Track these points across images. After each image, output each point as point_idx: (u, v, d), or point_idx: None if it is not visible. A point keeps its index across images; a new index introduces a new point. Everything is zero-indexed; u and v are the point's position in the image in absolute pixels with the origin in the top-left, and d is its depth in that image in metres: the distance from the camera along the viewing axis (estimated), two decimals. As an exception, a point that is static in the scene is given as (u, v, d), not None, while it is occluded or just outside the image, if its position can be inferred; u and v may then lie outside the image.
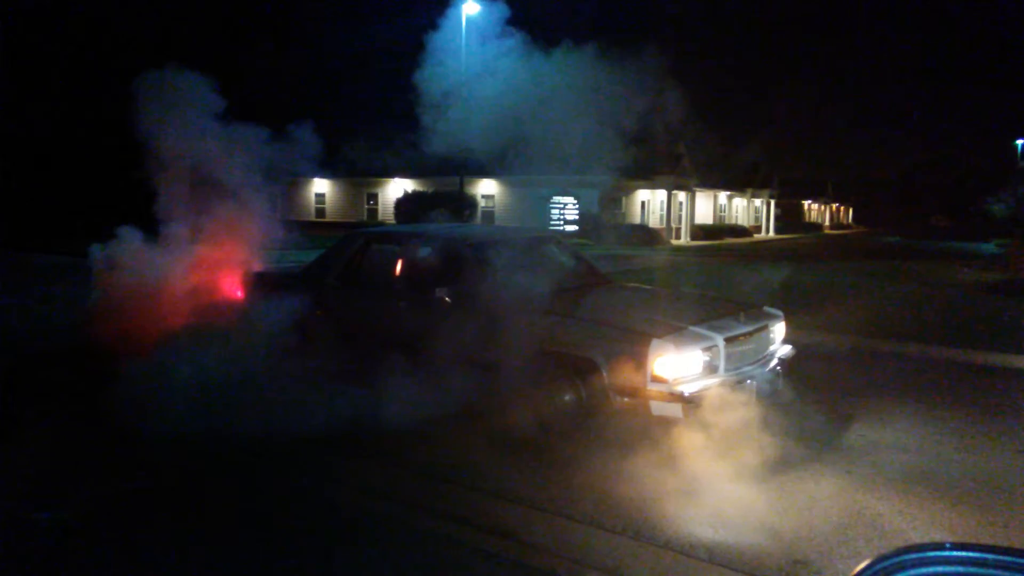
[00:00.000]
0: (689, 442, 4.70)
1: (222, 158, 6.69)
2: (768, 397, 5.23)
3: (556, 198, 33.91)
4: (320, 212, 40.17)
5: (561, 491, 4.28)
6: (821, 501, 4.22)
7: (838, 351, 8.68)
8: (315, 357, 5.98)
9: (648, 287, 7.51)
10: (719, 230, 44.57)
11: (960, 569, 1.32)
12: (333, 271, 6.65)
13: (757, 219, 53.66)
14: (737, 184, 47.18)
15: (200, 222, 6.85)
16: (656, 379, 4.68)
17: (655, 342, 4.71)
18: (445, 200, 24.83)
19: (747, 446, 4.75)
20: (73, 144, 22.81)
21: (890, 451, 5.09)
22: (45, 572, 3.51)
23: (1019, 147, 51.01)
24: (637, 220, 36.77)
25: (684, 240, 39.08)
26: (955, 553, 1.35)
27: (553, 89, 6.79)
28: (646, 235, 32.84)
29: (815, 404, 6.04)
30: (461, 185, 25.00)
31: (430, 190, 32.89)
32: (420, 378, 5.24)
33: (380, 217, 38.62)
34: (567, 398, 5.04)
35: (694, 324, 5.05)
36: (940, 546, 1.36)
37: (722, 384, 4.87)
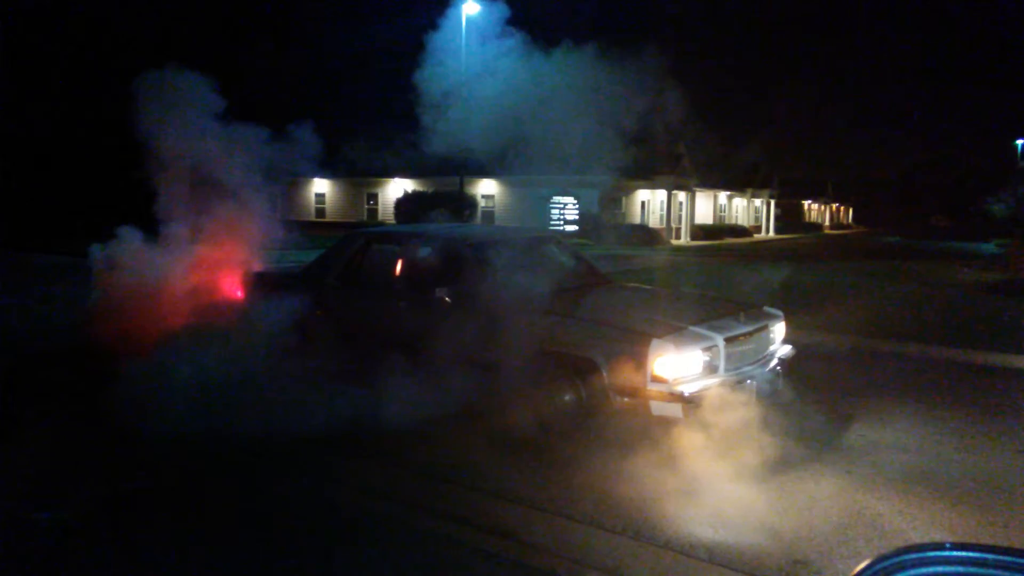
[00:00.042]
0: (689, 442, 4.70)
1: (222, 158, 6.69)
2: (768, 397, 5.23)
3: (556, 198, 33.91)
4: (320, 212, 40.17)
5: (561, 491, 4.28)
6: (821, 501, 4.22)
7: (838, 351, 8.68)
8: (315, 357, 5.98)
9: (648, 287, 7.51)
10: (719, 230, 44.57)
11: (960, 569, 1.32)
12: (333, 271, 6.65)
13: (757, 219, 53.66)
14: (737, 184, 47.19)
15: (200, 222, 6.85)
16: (656, 379, 4.68)
17: (655, 342, 4.71)
18: (445, 200, 24.83)
19: (747, 446, 4.75)
20: (73, 144, 22.81)
21: (890, 451, 5.09)
22: (45, 572, 3.51)
23: (1019, 147, 51.02)
24: (637, 220, 36.77)
25: (684, 240, 39.08)
26: (955, 553, 1.35)
27: (553, 89, 6.79)
28: (646, 235, 32.84)
29: (815, 404, 6.04)
30: (461, 185, 25.00)
31: (430, 190, 32.89)
32: (420, 378, 5.24)
33: (380, 217, 38.62)
34: (567, 398, 5.04)
35: (694, 324, 5.05)
36: (940, 546, 1.36)
37: (722, 384, 4.87)
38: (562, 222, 33.60)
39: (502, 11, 6.90)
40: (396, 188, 36.61)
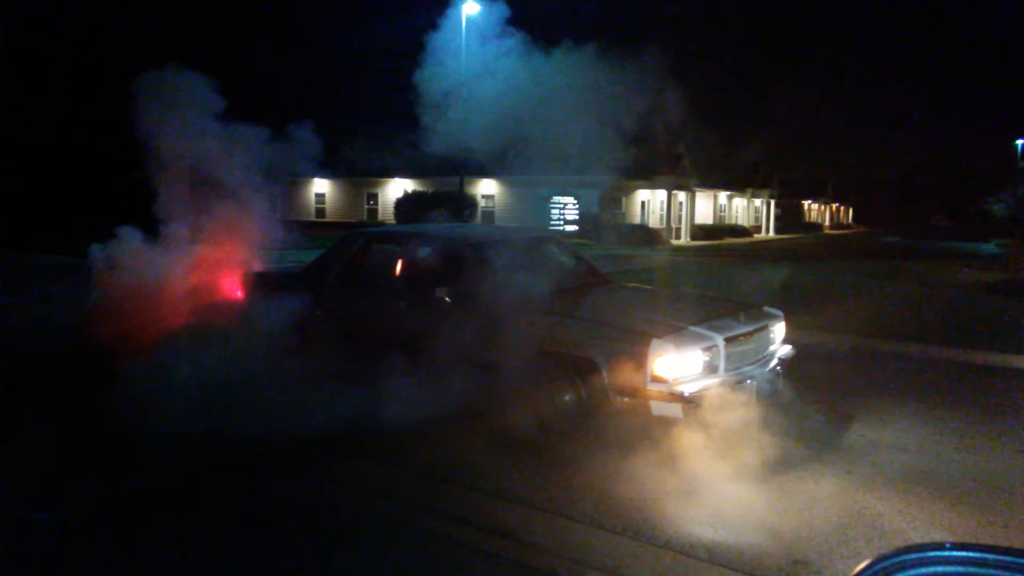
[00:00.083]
0: (689, 442, 4.70)
1: (222, 158, 6.69)
2: (768, 397, 5.23)
3: (556, 198, 33.91)
4: (320, 212, 40.17)
5: (561, 491, 4.28)
6: (821, 501, 4.22)
7: (838, 351, 8.68)
8: (315, 357, 5.98)
9: (648, 287, 7.51)
10: (719, 230, 44.57)
11: (960, 569, 1.32)
12: (333, 271, 6.65)
13: (757, 219, 53.66)
14: (737, 184, 47.19)
15: (200, 222, 6.85)
16: (656, 379, 4.68)
17: (655, 342, 4.71)
18: (445, 200, 24.83)
19: (747, 446, 4.75)
20: (73, 144, 22.81)
21: (890, 451, 5.09)
22: (45, 572, 3.51)
23: (1019, 147, 51.02)
24: (637, 220, 36.76)
25: (684, 240, 39.08)
26: (955, 553, 1.35)
27: (553, 89, 6.79)
28: (646, 235, 32.84)
29: (815, 404, 6.04)
30: (461, 185, 25.00)
31: (430, 190, 32.89)
32: (420, 378, 5.24)
33: (380, 217, 38.62)
34: (567, 398, 5.04)
35: (694, 324, 5.05)
36: (940, 546, 1.36)
37: (722, 384, 4.87)
38: (562, 222, 33.60)
39: (502, 11, 6.90)
40: (396, 188, 36.61)
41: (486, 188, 35.47)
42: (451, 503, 4.16)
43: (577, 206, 33.49)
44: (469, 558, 3.57)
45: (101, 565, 3.55)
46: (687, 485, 4.31)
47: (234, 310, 6.53)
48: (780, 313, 5.87)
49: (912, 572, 1.32)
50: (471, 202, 30.20)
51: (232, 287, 7.01)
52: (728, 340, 4.99)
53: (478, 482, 4.42)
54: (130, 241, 7.07)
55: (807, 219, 65.06)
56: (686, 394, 4.62)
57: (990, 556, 1.32)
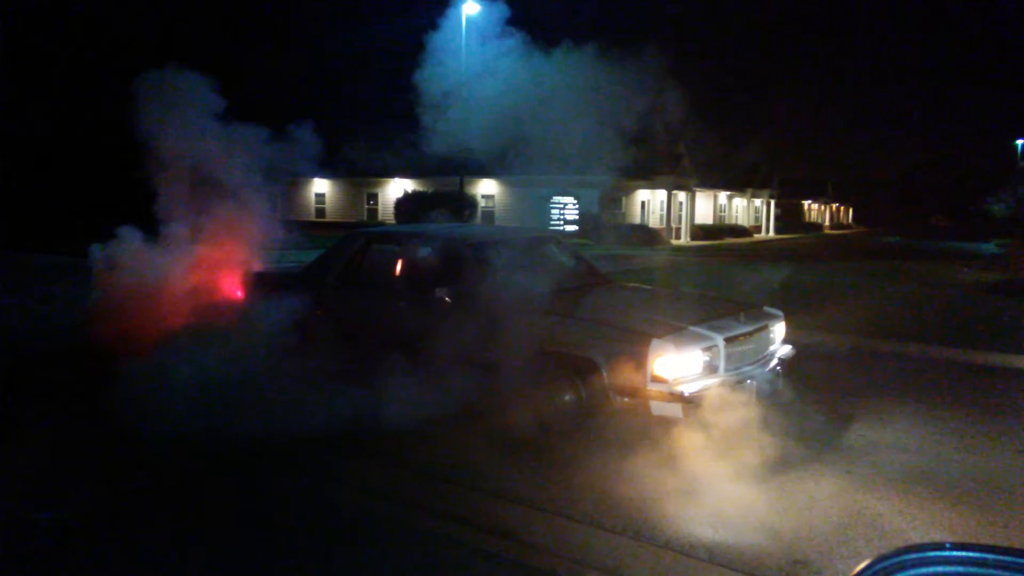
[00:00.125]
0: (689, 442, 4.70)
1: (222, 158, 6.69)
2: (768, 397, 5.23)
3: (556, 198, 33.91)
4: (320, 212, 40.17)
5: (561, 491, 4.28)
6: (821, 501, 4.22)
7: (838, 351, 8.68)
8: (315, 357, 5.98)
9: (648, 287, 7.51)
10: (719, 230, 44.57)
11: (960, 569, 1.32)
12: (333, 271, 6.65)
13: (757, 219, 53.66)
14: (737, 184, 47.19)
15: (200, 222, 6.85)
16: (656, 379, 4.68)
17: (655, 342, 4.71)
18: (445, 200, 24.83)
19: (747, 446, 4.75)
20: (73, 144, 22.81)
21: (890, 451, 5.09)
22: (45, 572, 3.51)
23: (1019, 147, 51.02)
24: (637, 220, 36.76)
25: (684, 240, 39.08)
26: (955, 553, 1.35)
27: (553, 89, 6.79)
28: (646, 235, 32.84)
29: (815, 404, 6.04)
30: (461, 185, 25.00)
31: (430, 190, 32.89)
32: (420, 378, 5.24)
33: (380, 217, 38.62)
34: (567, 398, 5.04)
35: (694, 324, 5.05)
36: (940, 546, 1.36)
37: (722, 384, 4.87)
38: (562, 222, 33.60)
39: (502, 11, 6.90)
40: (396, 188, 36.61)
41: (486, 188, 35.47)
42: (451, 503, 4.16)
43: (577, 206, 33.49)
44: (469, 558, 3.57)
45: (101, 565, 3.55)
46: (687, 485, 4.31)
47: (234, 310, 6.53)
48: (780, 313, 5.87)
49: (912, 572, 1.32)
50: (471, 202, 30.20)
51: (232, 287, 7.00)
52: (728, 340, 4.99)
53: (478, 482, 4.42)
54: (130, 241, 7.07)
55: (807, 219, 65.05)
56: (686, 394, 4.62)
57: (990, 556, 1.32)
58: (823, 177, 65.85)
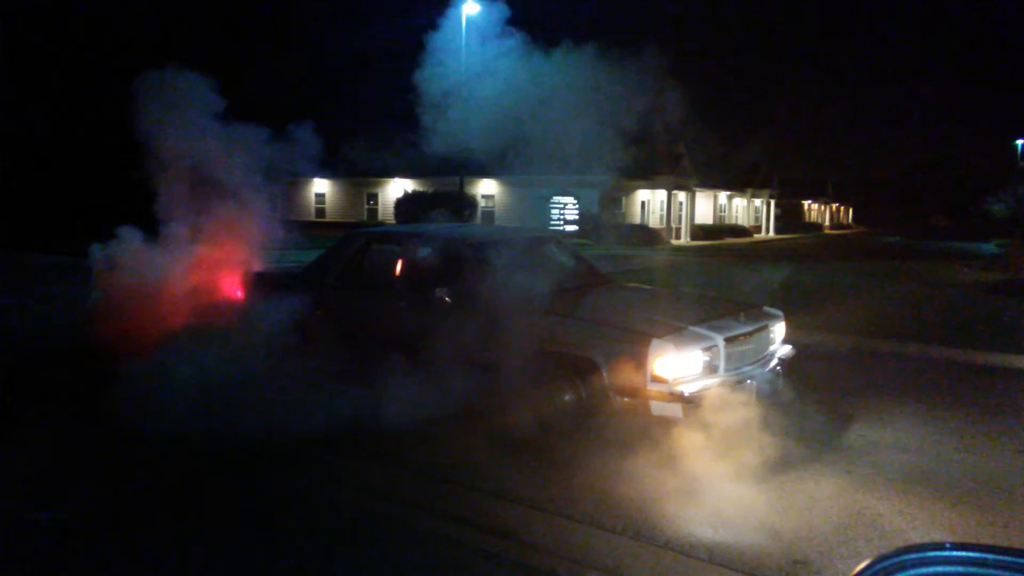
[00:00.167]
0: (689, 442, 4.70)
1: (222, 158, 6.69)
2: (768, 397, 5.23)
3: (556, 198, 33.91)
4: (320, 212, 40.17)
5: (561, 491, 4.28)
6: (821, 501, 4.22)
7: (838, 351, 8.68)
8: (315, 357, 5.98)
9: (648, 287, 7.51)
10: (719, 230, 44.57)
11: (960, 569, 1.32)
12: (333, 271, 6.65)
13: (757, 219, 53.66)
14: (737, 184, 47.19)
15: (200, 222, 6.85)
16: (656, 379, 4.67)
17: (655, 342, 4.71)
18: (445, 200, 24.83)
19: (747, 446, 4.75)
20: (73, 144, 22.81)
21: (890, 451, 5.09)
22: (45, 572, 3.51)
23: (1019, 147, 51.02)
24: (637, 220, 36.77)
25: (684, 240, 39.09)
26: (955, 553, 1.35)
27: (553, 89, 6.79)
28: (646, 235, 32.84)
29: (815, 404, 6.04)
30: (461, 185, 25.00)
31: (430, 190, 32.89)
32: (420, 378, 5.24)
33: (380, 217, 38.62)
34: (567, 398, 5.04)
35: (694, 324, 5.05)
36: (940, 546, 1.36)
37: (722, 384, 4.87)
38: (562, 222, 33.60)
39: (502, 11, 6.90)
40: (396, 188, 36.61)
41: (486, 188, 35.48)
42: (451, 503, 4.16)
43: (577, 206, 33.50)
44: (469, 558, 3.57)
45: (101, 565, 3.55)
46: (687, 485, 4.31)
47: (234, 310, 6.53)
48: (780, 313, 5.87)
49: (912, 572, 1.32)
50: (471, 202, 30.20)
51: (232, 287, 7.00)
52: (728, 340, 4.99)
53: (478, 482, 4.42)
54: (130, 241, 7.07)
55: (807, 219, 65.05)
56: (686, 394, 4.62)
57: (990, 556, 1.32)
58: (823, 177, 65.89)
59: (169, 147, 6.69)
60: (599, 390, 4.88)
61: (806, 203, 65.09)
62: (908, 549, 1.38)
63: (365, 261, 6.65)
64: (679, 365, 4.70)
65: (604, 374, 4.83)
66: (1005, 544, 2.70)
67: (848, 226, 77.08)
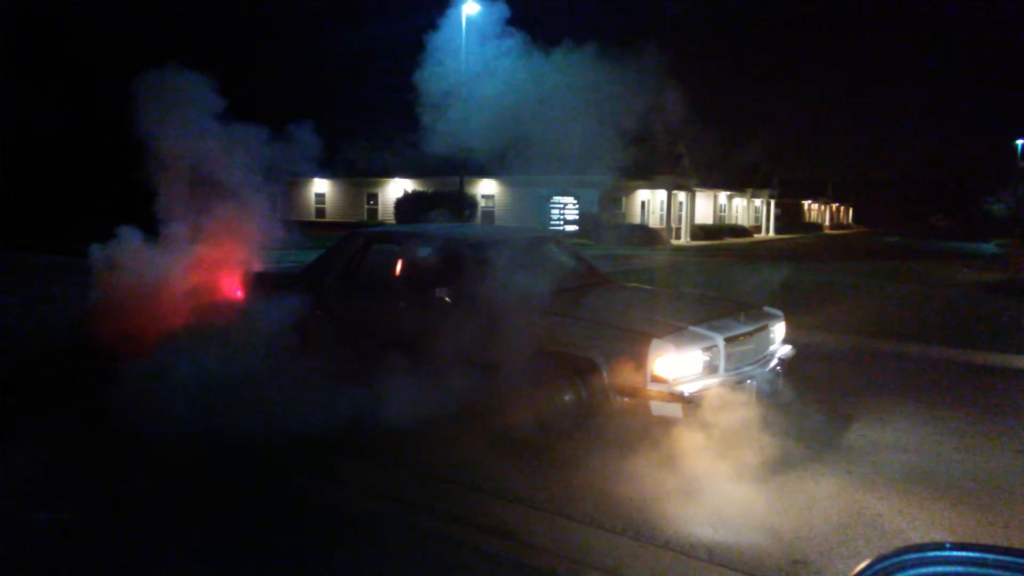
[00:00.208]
0: (689, 442, 4.70)
1: (222, 158, 6.69)
2: (768, 397, 5.23)
3: (556, 198, 33.93)
4: (320, 212, 40.18)
5: (561, 491, 4.28)
6: (821, 501, 4.22)
7: (838, 351, 8.68)
8: (315, 357, 5.98)
9: (648, 287, 7.51)
10: (719, 230, 44.57)
11: (960, 569, 1.32)
12: (333, 271, 6.65)
13: (757, 219, 53.67)
14: (737, 184, 47.19)
15: (200, 222, 6.85)
16: (656, 379, 4.67)
17: (655, 342, 4.71)
18: (445, 200, 24.85)
19: (747, 446, 4.75)
20: (73, 144, 22.82)
21: (890, 451, 5.09)
22: (45, 572, 3.51)
23: (1019, 147, 51.04)
24: (637, 220, 36.78)
25: (684, 240, 39.09)
26: (955, 553, 1.35)
27: (553, 89, 6.79)
28: (646, 235, 32.85)
29: (815, 404, 6.04)
30: (461, 185, 25.01)
31: (430, 190, 32.90)
32: (420, 378, 5.24)
33: (380, 217, 38.62)
34: (567, 398, 5.04)
35: (694, 324, 5.05)
36: (940, 546, 1.36)
37: (722, 384, 4.87)
38: (562, 222, 33.61)
39: (502, 11, 6.90)
40: (396, 188, 36.62)
41: (486, 188, 35.48)
42: (451, 503, 4.16)
43: (577, 206, 33.51)
44: (469, 558, 3.57)
45: (101, 565, 3.55)
46: (687, 485, 4.31)
47: (234, 310, 6.53)
48: (780, 313, 5.87)
49: (912, 572, 1.32)
50: (471, 202, 30.21)
51: (232, 287, 7.00)
52: (728, 340, 4.99)
53: (478, 482, 4.42)
54: (130, 241, 7.06)
55: (807, 219, 65.05)
56: (686, 394, 4.62)
57: (990, 556, 1.32)
58: (823, 177, 65.83)
59: (169, 147, 6.68)
60: (599, 390, 4.88)
61: (806, 203, 65.08)
62: (908, 549, 1.38)
63: (365, 261, 6.65)
64: (679, 365, 4.70)
65: (604, 374, 4.83)
66: (1005, 544, 2.70)
67: (848, 226, 77.08)
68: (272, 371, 5.67)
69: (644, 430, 4.81)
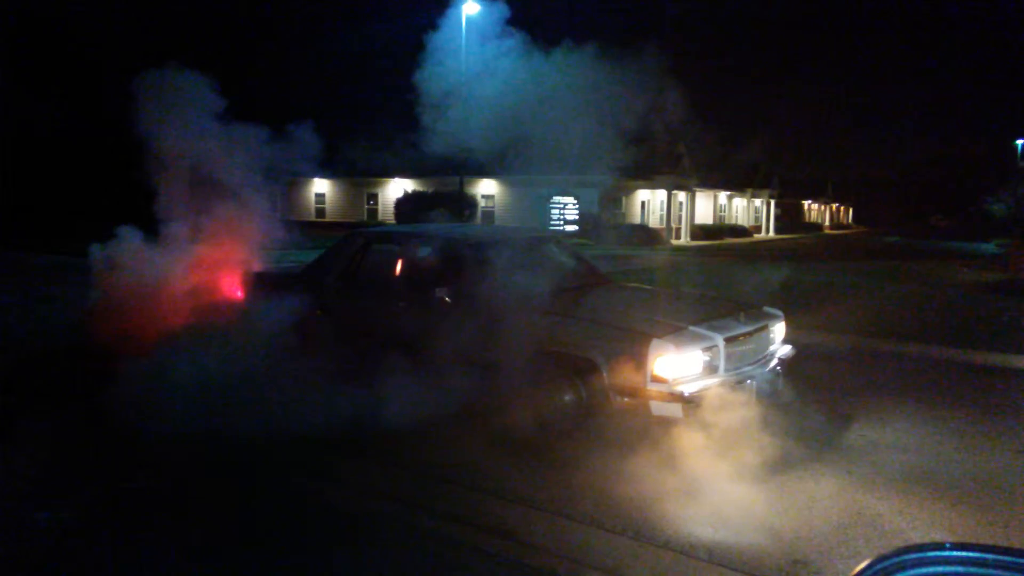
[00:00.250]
0: (689, 442, 4.70)
1: (222, 158, 6.69)
2: (768, 397, 5.23)
3: (556, 198, 33.93)
4: (320, 212, 40.18)
5: (561, 491, 4.28)
6: (821, 501, 4.22)
7: (838, 351, 8.68)
8: (315, 357, 5.98)
9: (648, 287, 7.51)
10: (719, 230, 44.57)
11: (960, 569, 1.32)
12: (333, 271, 6.65)
13: (757, 219, 53.66)
14: (737, 184, 47.17)
15: (200, 222, 6.85)
16: (656, 379, 4.67)
17: (655, 342, 4.71)
18: (445, 200, 24.85)
19: (747, 446, 4.75)
20: (73, 144, 22.82)
21: (890, 451, 5.09)
22: (45, 572, 3.51)
23: (1019, 147, 51.05)
24: (637, 220, 36.78)
25: (684, 240, 39.09)
26: (955, 553, 1.35)
27: (553, 89, 6.79)
28: (646, 235, 32.85)
29: (815, 404, 6.04)
30: (461, 185, 25.01)
31: (430, 190, 32.90)
32: (420, 378, 5.24)
33: (380, 217, 38.62)
34: (567, 398, 5.04)
35: (694, 324, 5.05)
36: (940, 546, 1.37)
37: (722, 384, 4.87)
38: (562, 222, 33.62)
39: (502, 11, 6.90)
40: (396, 188, 36.62)
41: (486, 188, 35.48)
42: (451, 503, 4.16)
43: (577, 206, 33.51)
44: (469, 558, 3.57)
45: (101, 565, 3.55)
46: (687, 485, 4.31)
47: (234, 310, 6.53)
48: (780, 313, 5.87)
49: (912, 572, 1.32)
50: (471, 202, 30.22)
51: (232, 287, 7.00)
52: (728, 340, 4.99)
53: (478, 482, 4.42)
54: (130, 241, 7.06)
55: (807, 219, 65.04)
56: (686, 394, 4.62)
57: (990, 556, 1.32)
58: (823, 177, 65.77)
59: (169, 147, 6.68)
60: (599, 390, 4.88)
61: (806, 203, 65.06)
62: (908, 549, 1.38)
63: (365, 261, 6.65)
64: (679, 365, 4.70)
65: (604, 374, 4.83)
66: (1005, 544, 2.70)
67: (848, 226, 77.07)
68: (272, 371, 5.67)
69: (644, 430, 4.81)
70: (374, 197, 39.54)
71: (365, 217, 38.61)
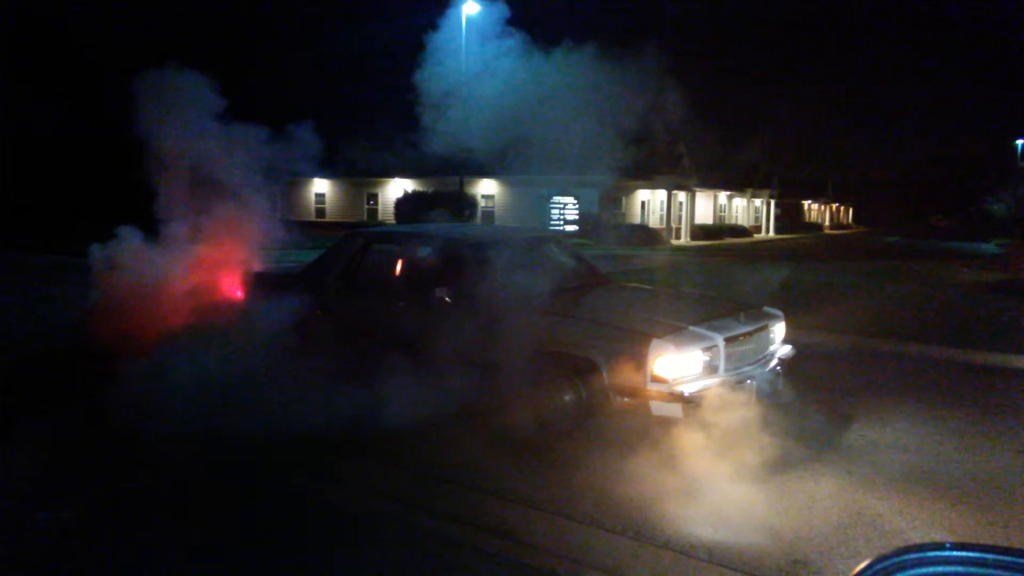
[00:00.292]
0: (689, 442, 4.70)
1: (222, 158, 6.69)
2: (768, 397, 5.23)
3: (556, 198, 33.93)
4: (320, 212, 40.18)
5: (561, 491, 4.28)
6: (821, 501, 4.22)
7: (838, 351, 8.68)
8: (315, 357, 5.98)
9: (648, 287, 7.51)
10: (719, 230, 44.57)
11: (960, 569, 1.32)
12: (333, 271, 6.65)
13: (757, 219, 53.66)
14: (737, 184, 47.17)
15: (200, 222, 6.85)
16: (656, 379, 4.67)
17: (655, 342, 4.71)
18: (445, 200, 24.85)
19: (747, 446, 4.75)
20: (73, 144, 22.83)
21: (890, 451, 5.09)
22: (45, 572, 3.51)
23: (1019, 147, 51.04)
24: (637, 220, 36.78)
25: (684, 240, 39.09)
26: (955, 553, 1.35)
27: (553, 89, 6.79)
28: (646, 235, 32.85)
29: (815, 404, 6.04)
30: (461, 185, 25.01)
31: (430, 190, 32.90)
32: (420, 378, 5.24)
33: (380, 217, 38.62)
34: (567, 398, 5.04)
35: (694, 324, 5.05)
36: (940, 546, 1.37)
37: (722, 384, 4.87)
38: (562, 222, 33.61)
39: (502, 11, 6.90)
40: (396, 188, 36.62)
41: (486, 188, 35.48)
42: (451, 503, 4.16)
43: (577, 206, 33.51)
44: (469, 558, 3.57)
45: (101, 565, 3.56)
46: (687, 485, 4.31)
47: (234, 310, 6.53)
48: (780, 313, 5.87)
49: (912, 572, 1.32)
50: (471, 202, 30.22)
51: (232, 287, 7.00)
52: (728, 340, 4.99)
53: (478, 482, 4.42)
54: (130, 241, 7.06)
55: (807, 219, 65.03)
56: (686, 394, 4.62)
57: (990, 556, 1.32)
58: (823, 177, 65.76)
59: (169, 147, 6.69)
60: (599, 390, 4.88)
61: (806, 203, 65.06)
62: (908, 549, 1.38)
63: (365, 261, 6.65)
64: (679, 365, 4.70)
65: (604, 374, 4.83)
66: (1005, 544, 2.70)
67: (848, 226, 77.07)
68: (272, 371, 5.67)
69: (644, 430, 4.81)
70: (374, 197, 39.54)
71: (365, 217, 38.61)
